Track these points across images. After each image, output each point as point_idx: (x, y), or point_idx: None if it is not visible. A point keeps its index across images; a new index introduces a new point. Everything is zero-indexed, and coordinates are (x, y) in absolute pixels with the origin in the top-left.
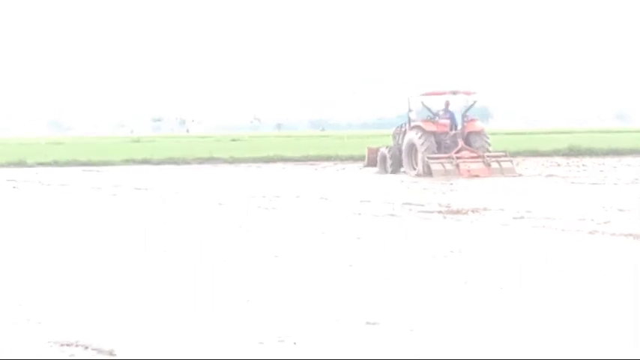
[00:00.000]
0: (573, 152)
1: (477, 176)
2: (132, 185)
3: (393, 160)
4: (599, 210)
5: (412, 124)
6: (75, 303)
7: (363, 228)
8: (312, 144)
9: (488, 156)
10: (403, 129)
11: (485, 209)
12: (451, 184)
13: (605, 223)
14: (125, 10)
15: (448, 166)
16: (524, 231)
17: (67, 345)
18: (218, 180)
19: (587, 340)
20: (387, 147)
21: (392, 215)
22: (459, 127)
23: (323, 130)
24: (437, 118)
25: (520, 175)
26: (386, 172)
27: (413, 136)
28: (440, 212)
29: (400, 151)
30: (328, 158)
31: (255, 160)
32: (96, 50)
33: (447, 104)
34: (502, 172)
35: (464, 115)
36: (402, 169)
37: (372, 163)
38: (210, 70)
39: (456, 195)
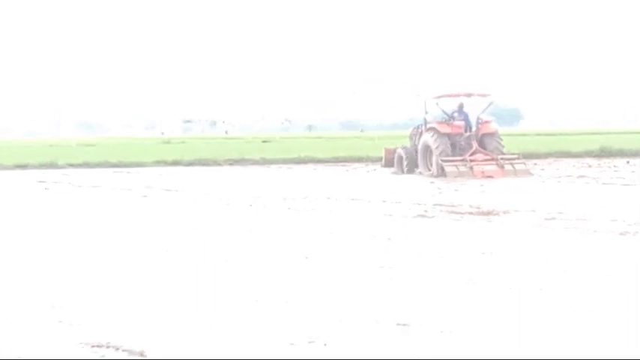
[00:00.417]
0: (605, 153)
1: (490, 177)
2: (162, 186)
3: (408, 161)
4: (630, 211)
5: (427, 125)
6: (106, 304)
7: (393, 229)
8: (342, 145)
9: (501, 158)
10: (420, 130)
11: (516, 210)
12: (482, 184)
13: (636, 224)
14: (157, 12)
15: (462, 168)
16: (556, 232)
17: (99, 346)
18: (248, 181)
19: (620, 342)
20: (403, 148)
21: (422, 216)
22: (474, 128)
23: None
24: (451, 120)
25: (533, 175)
26: (402, 172)
27: (428, 137)
28: (471, 213)
29: (416, 152)
30: (359, 159)
31: (285, 162)
32: (127, 52)
33: (462, 106)
34: (515, 173)
35: (478, 117)
36: (418, 170)
37: (389, 163)
38: (241, 71)
39: (486, 196)
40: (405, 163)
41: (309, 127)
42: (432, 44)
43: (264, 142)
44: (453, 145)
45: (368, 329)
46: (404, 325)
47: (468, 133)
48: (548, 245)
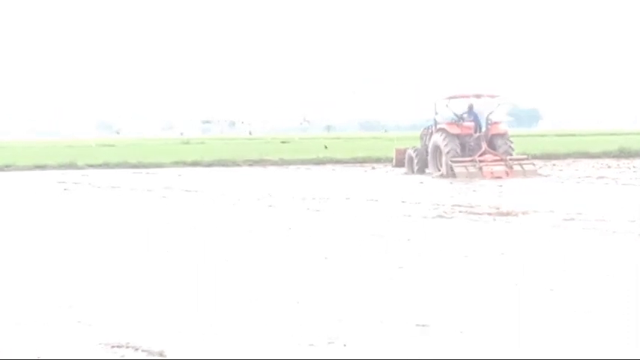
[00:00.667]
0: (624, 154)
1: (499, 178)
2: (182, 187)
3: (418, 161)
4: None
5: (438, 126)
6: (126, 304)
7: (412, 229)
8: (361, 146)
9: (510, 159)
10: (430, 130)
11: (535, 211)
12: (500, 185)
13: None
14: (175, 13)
15: (471, 169)
16: (575, 233)
17: (118, 347)
18: (268, 182)
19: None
20: (413, 148)
21: (441, 217)
22: (483, 129)
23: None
24: (461, 121)
25: (541, 176)
26: (412, 172)
27: (438, 138)
28: (489, 214)
29: (427, 152)
30: (378, 160)
31: (304, 162)
32: (146, 53)
33: (471, 107)
34: (524, 174)
35: (488, 118)
36: (428, 170)
37: (399, 163)
38: (259, 72)
39: (505, 197)
40: (415, 163)
41: (328, 128)
42: (453, 44)
43: (283, 142)
44: (463, 146)
45: (387, 330)
46: (423, 325)
47: (477, 134)
48: (566, 246)
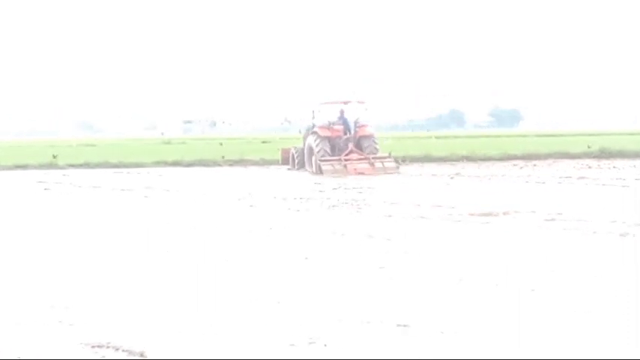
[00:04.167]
0: (604, 154)
1: (362, 174)
2: (163, 187)
3: (298, 159)
4: (630, 212)
5: (312, 129)
6: (106, 304)
7: (393, 230)
8: None
9: (373, 157)
10: (309, 132)
11: (516, 212)
12: (482, 186)
13: (636, 225)
14: (157, 12)
15: (337, 167)
16: (556, 233)
17: (99, 347)
18: (248, 182)
19: (619, 342)
20: (295, 148)
21: (422, 217)
22: (352, 132)
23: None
24: (332, 125)
25: (401, 173)
26: (295, 169)
27: (311, 140)
28: (471, 215)
29: (304, 151)
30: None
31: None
32: (126, 52)
33: (342, 112)
34: (385, 170)
35: (356, 122)
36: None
37: (285, 161)
38: (240, 72)
39: (487, 197)
40: (296, 161)
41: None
42: (432, 45)
43: (263, 142)
44: (333, 147)
45: (368, 330)
46: (404, 325)
47: (346, 136)
48: (547, 246)
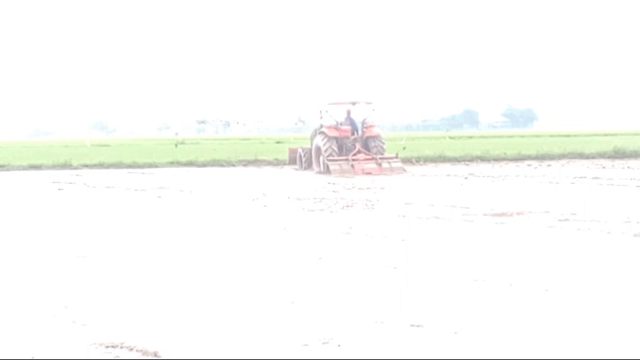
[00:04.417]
0: (618, 155)
1: (369, 174)
2: (177, 187)
3: (305, 159)
4: None
5: (320, 129)
6: (120, 304)
7: (407, 230)
8: None
9: (380, 157)
10: (317, 132)
11: (530, 212)
12: (495, 186)
13: None
14: (172, 14)
15: (344, 166)
16: (569, 233)
17: (112, 347)
18: (262, 182)
19: (632, 342)
20: (302, 148)
21: (436, 217)
22: (359, 132)
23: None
24: (339, 125)
25: (407, 172)
26: (302, 168)
27: (319, 140)
28: (485, 215)
29: (312, 151)
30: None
31: None
32: (143, 53)
33: (349, 113)
34: (392, 170)
35: (364, 122)
36: (313, 167)
37: (292, 161)
38: (254, 73)
39: (500, 198)
40: (303, 160)
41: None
42: (447, 46)
43: (277, 142)
44: (341, 147)
45: (382, 330)
46: (418, 326)
47: (354, 136)
48: (561, 246)
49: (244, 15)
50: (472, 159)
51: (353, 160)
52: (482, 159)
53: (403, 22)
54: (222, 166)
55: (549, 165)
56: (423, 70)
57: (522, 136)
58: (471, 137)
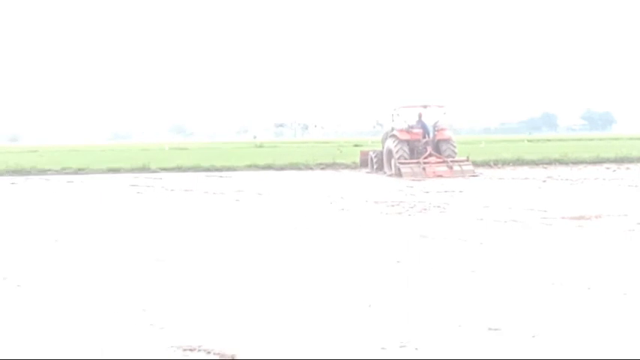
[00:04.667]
0: None
1: (440, 177)
2: (255, 190)
3: (377, 162)
4: None
5: (391, 133)
6: (198, 307)
7: (485, 233)
8: None
9: (451, 160)
10: (388, 136)
11: (608, 215)
12: (573, 189)
13: None
14: (249, 18)
15: (416, 169)
16: None
17: (190, 349)
18: (340, 185)
19: None
20: (374, 151)
21: (514, 221)
22: (431, 135)
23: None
24: (410, 128)
25: (478, 176)
26: (373, 171)
27: (390, 143)
28: (563, 218)
29: (383, 154)
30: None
31: None
32: (221, 57)
33: (420, 116)
34: (463, 173)
35: (435, 125)
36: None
37: (363, 164)
38: (332, 76)
39: (579, 201)
40: (374, 163)
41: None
42: (526, 49)
43: (355, 145)
44: (412, 150)
45: (459, 334)
46: (496, 329)
47: (425, 139)
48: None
49: (324, 17)
50: (550, 162)
51: (424, 162)
52: (561, 162)
53: (482, 26)
54: (299, 169)
55: (628, 168)
56: (502, 74)
57: (601, 139)
58: (549, 140)
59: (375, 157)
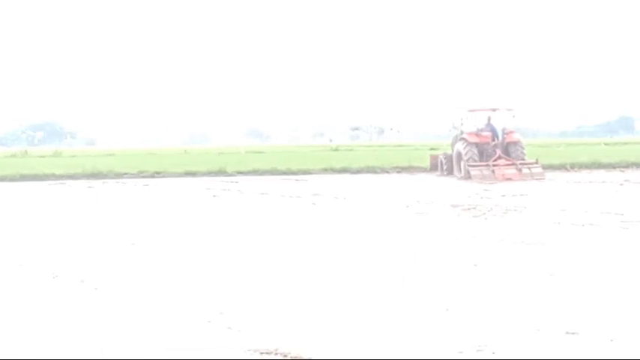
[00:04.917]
0: None
1: (510, 179)
2: (331, 194)
3: (446, 165)
4: None
5: (460, 136)
6: (275, 311)
7: (562, 237)
8: None
9: (520, 163)
10: (458, 139)
11: None
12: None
13: None
14: (325, 23)
15: (485, 172)
16: None
17: (267, 353)
18: (415, 188)
19: None
20: (444, 154)
21: (591, 224)
22: (500, 138)
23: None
24: (480, 131)
25: (545, 179)
26: (443, 174)
27: (459, 146)
28: (639, 221)
29: (453, 157)
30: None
31: None
32: (297, 61)
33: (489, 119)
34: (532, 176)
35: (504, 128)
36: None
37: (433, 167)
38: (409, 79)
39: None
40: (444, 167)
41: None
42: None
43: (431, 149)
44: (482, 152)
45: (537, 337)
46: (573, 333)
47: (494, 142)
48: None
49: (400, 21)
50: (628, 165)
51: (494, 165)
52: (639, 165)
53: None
54: (375, 172)
55: None
56: (579, 77)
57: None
58: (626, 143)
59: (445, 160)
